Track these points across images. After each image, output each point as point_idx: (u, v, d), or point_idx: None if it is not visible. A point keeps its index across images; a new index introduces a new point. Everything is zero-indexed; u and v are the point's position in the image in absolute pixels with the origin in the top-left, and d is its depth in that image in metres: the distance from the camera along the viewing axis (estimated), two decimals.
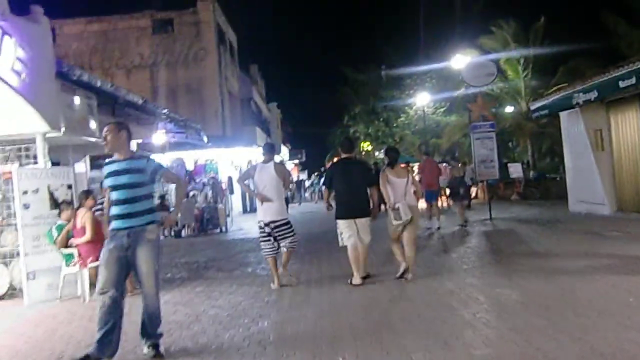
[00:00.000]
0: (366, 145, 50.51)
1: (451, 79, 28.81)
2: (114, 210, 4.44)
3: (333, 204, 6.79)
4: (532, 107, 14.23)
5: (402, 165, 7.60)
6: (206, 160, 23.30)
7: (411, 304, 5.61)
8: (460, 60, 21.48)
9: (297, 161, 48.55)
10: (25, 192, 7.34)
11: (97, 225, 7.09)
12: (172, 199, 19.53)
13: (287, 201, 23.10)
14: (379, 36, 33.83)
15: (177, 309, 6.24)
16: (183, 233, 15.76)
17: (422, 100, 29.84)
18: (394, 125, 34.74)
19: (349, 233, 6.49)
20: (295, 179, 40.68)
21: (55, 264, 7.34)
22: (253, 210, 25.54)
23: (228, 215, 17.89)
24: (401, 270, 6.66)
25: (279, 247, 6.79)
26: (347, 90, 37.32)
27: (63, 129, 8.14)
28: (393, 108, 33.64)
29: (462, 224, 11.88)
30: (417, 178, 9.28)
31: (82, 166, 14.71)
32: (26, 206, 7.32)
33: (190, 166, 22.65)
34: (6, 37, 6.74)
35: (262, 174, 6.66)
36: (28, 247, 7.27)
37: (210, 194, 17.40)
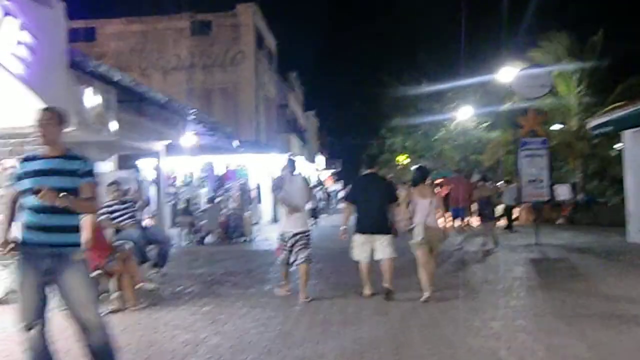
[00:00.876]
0: (403, 159, 49.29)
1: (495, 93, 27.55)
2: (29, 218, 3.45)
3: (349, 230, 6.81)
4: (593, 124, 12.93)
5: (439, 181, 7.59)
6: (237, 165, 22.71)
7: (452, 350, 4.60)
8: (508, 73, 20.18)
9: (332, 171, 47.75)
10: None
11: (97, 232, 6.34)
12: (200, 204, 19.03)
13: (317, 212, 22.40)
14: (421, 47, 32.13)
15: (176, 334, 5.39)
16: (207, 240, 15.01)
17: (463, 114, 28.60)
18: (433, 139, 33.45)
19: (360, 249, 6.55)
20: (329, 189, 40.05)
21: None
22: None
23: (256, 224, 17.11)
24: (424, 297, 6.34)
25: (293, 259, 6.75)
26: (387, 100, 36.28)
27: (75, 123, 7.48)
28: (433, 121, 32.41)
29: (491, 248, 11.14)
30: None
31: (108, 165, 14.25)
32: None
33: (220, 171, 22.12)
34: (8, 18, 6.08)
35: (291, 186, 6.74)
36: None
37: (236, 201, 16.63)
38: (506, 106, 25.31)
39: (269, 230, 18.34)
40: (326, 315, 5.96)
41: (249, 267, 10.00)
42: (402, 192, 8.93)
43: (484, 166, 29.92)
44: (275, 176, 22.85)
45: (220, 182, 22.63)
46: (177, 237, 14.60)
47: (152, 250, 7.74)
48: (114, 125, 8.67)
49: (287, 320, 5.77)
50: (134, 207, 7.66)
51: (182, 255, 12.39)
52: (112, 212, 7.33)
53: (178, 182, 22.87)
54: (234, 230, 15.61)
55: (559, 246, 11.95)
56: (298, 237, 6.63)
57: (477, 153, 30.26)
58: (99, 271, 6.28)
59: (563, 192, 21.48)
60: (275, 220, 23.41)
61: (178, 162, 22.22)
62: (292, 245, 6.67)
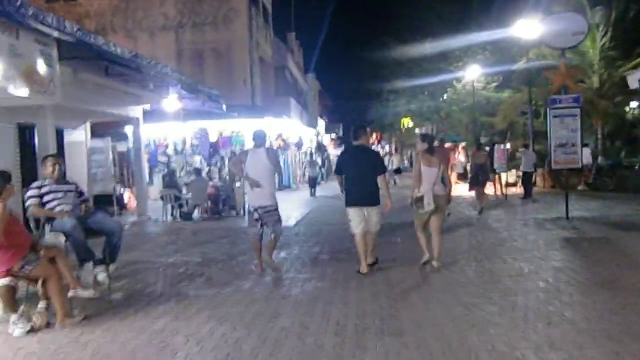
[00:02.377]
0: (407, 122, 47.33)
1: (507, 50, 25.44)
2: None
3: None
4: (634, 76, 11.02)
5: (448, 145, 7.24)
6: (232, 132, 20.90)
7: None
8: (524, 26, 18.09)
9: (334, 135, 45.75)
10: None
11: (9, 224, 4.65)
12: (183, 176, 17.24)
13: (316, 181, 20.68)
14: (425, 3, 29.61)
15: None
16: (195, 215, 13.36)
17: (471, 73, 26.47)
18: (440, 100, 31.40)
19: (357, 221, 6.35)
20: (331, 154, 38.18)
21: None
22: (283, 187, 23.16)
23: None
24: (423, 259, 6.54)
25: (263, 232, 6.68)
26: (390, 61, 33.89)
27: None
28: (439, 82, 30.28)
29: (478, 211, 11.79)
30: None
31: (79, 135, 12.50)
32: None
33: (213, 138, 20.37)
34: None
35: (253, 160, 6.56)
36: None
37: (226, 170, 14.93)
38: (520, 64, 23.20)
39: None
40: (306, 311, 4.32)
41: (231, 252, 8.35)
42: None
43: (494, 129, 28.03)
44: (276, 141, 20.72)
45: (214, 149, 20.96)
46: (160, 211, 13.00)
47: (98, 243, 6.04)
48: (54, 85, 6.85)
49: (262, 346, 4.13)
50: (75, 190, 5.93)
51: (160, 236, 10.78)
52: (42, 195, 5.61)
53: (169, 150, 21.23)
54: (224, 203, 13.97)
55: (593, 220, 10.24)
56: (263, 211, 6.55)
57: (488, 115, 28.30)
58: (8, 278, 4.62)
59: (584, 155, 19.67)
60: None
61: (168, 129, 20.59)
62: (258, 219, 6.60)
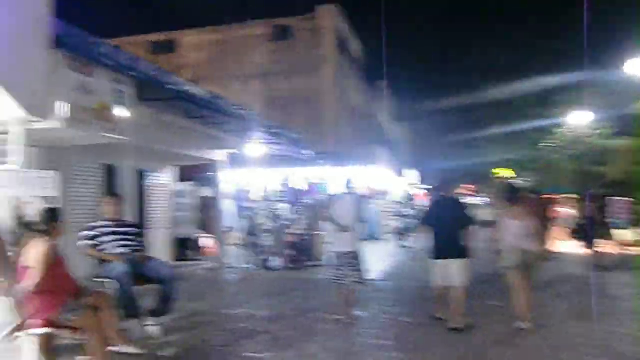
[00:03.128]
0: (506, 173, 44.72)
1: (621, 92, 23.26)
2: None
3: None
4: None
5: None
6: (319, 179, 20.54)
7: None
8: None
9: (429, 186, 44.19)
10: None
11: (54, 267, 4.26)
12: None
13: (404, 232, 19.54)
14: (525, 46, 28.10)
15: None
16: (273, 264, 12.78)
17: (578, 119, 24.31)
18: (539, 147, 29.21)
19: (439, 275, 6.27)
20: (421, 206, 36.56)
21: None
22: (369, 237, 22.20)
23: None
24: (519, 324, 5.94)
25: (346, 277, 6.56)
26: (486, 109, 32.38)
27: (64, 118, 5.55)
28: (539, 128, 28.24)
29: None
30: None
31: (164, 177, 12.57)
32: None
33: (299, 185, 20.07)
34: None
35: (341, 206, 6.66)
36: None
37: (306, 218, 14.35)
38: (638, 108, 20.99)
39: None
40: None
41: (303, 307, 7.57)
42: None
43: (606, 179, 25.39)
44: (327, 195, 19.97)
45: (299, 197, 20.65)
46: (240, 259, 12.59)
47: (152, 293, 5.54)
48: (125, 124, 6.66)
49: None
50: (134, 232, 5.53)
51: (232, 284, 10.29)
52: (97, 236, 5.24)
53: (255, 196, 21.20)
54: (304, 252, 13.33)
55: None
56: (348, 257, 6.52)
57: (599, 164, 25.75)
58: (45, 329, 4.16)
59: None
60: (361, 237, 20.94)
61: (254, 175, 20.63)
62: (344, 265, 6.55)
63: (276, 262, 12.80)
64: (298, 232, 13.44)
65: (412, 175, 41.28)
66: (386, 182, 24.19)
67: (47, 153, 7.19)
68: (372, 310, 7.32)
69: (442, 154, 56.09)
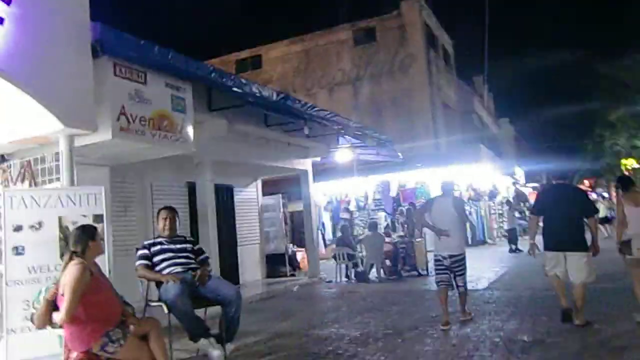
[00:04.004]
0: (630, 163, 40.02)
1: None
2: None
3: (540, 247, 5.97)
4: None
5: None
6: (416, 183, 19.26)
7: None
8: None
9: (536, 185, 40.79)
10: (18, 228, 4.36)
11: (91, 292, 3.66)
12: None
13: (515, 234, 17.60)
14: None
15: None
16: (371, 275, 11.81)
17: None
18: None
19: (553, 264, 5.68)
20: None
21: (54, 350, 4.14)
22: (477, 243, 20.44)
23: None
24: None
25: (454, 280, 6.33)
26: (600, 89, 28.47)
27: (112, 129, 5.08)
28: None
29: None
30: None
31: (251, 192, 12.13)
32: (18, 250, 4.32)
33: (395, 191, 19.01)
34: None
35: (439, 209, 6.41)
36: (16, 319, 4.22)
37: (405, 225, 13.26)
38: None
39: None
40: None
41: (399, 324, 6.53)
42: None
43: None
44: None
45: (397, 203, 19.53)
46: (336, 272, 11.77)
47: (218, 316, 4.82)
48: (187, 133, 6.10)
49: None
50: (190, 249, 4.87)
51: (323, 300, 9.46)
52: (153, 255, 4.62)
53: (352, 206, 20.37)
54: (403, 262, 12.22)
55: None
56: (453, 260, 6.26)
57: None
58: None
59: None
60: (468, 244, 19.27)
61: (349, 184, 19.84)
62: (448, 268, 6.28)
63: (374, 274, 11.83)
64: (396, 240, 12.37)
65: (519, 174, 38.32)
66: (491, 182, 22.25)
67: (120, 170, 6.87)
68: (482, 326, 6.10)
69: (551, 150, 51.85)
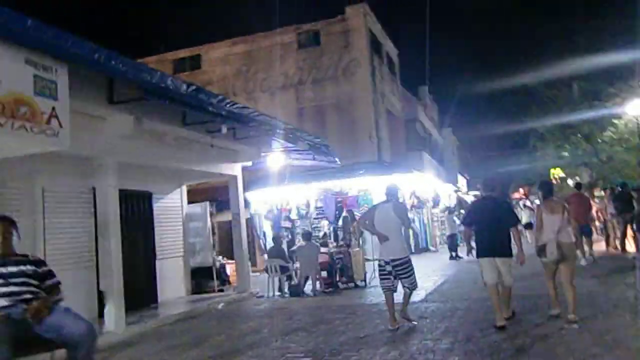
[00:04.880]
0: (557, 172, 41.04)
1: None
2: None
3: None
4: None
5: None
6: (359, 191, 18.40)
7: None
8: None
9: (477, 193, 41.08)
10: None
11: None
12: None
13: (456, 241, 17.01)
14: (572, 42, 24.92)
15: None
16: (308, 289, 10.74)
17: (635, 109, 21.17)
18: (598, 141, 26.04)
19: (489, 271, 6.01)
20: None
21: None
22: (420, 250, 19.80)
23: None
24: (552, 312, 6.07)
25: (396, 284, 6.40)
26: (533, 108, 29.30)
27: None
28: (595, 120, 25.14)
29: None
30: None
31: (174, 199, 10.84)
32: None
33: (334, 199, 18.08)
34: None
35: (381, 214, 6.44)
36: None
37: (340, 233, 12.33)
38: None
39: None
40: None
41: (321, 349, 5.54)
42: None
43: None
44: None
45: (339, 211, 18.59)
46: (269, 286, 10.64)
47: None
48: (63, 125, 4.82)
49: None
50: (31, 272, 3.63)
51: (248, 319, 8.34)
52: None
53: (293, 215, 19.30)
54: (340, 273, 11.25)
55: None
56: (395, 264, 6.28)
57: None
58: None
59: None
60: (410, 252, 18.56)
61: (291, 192, 18.80)
62: (390, 273, 6.31)
63: (308, 286, 10.77)
64: (332, 250, 11.37)
65: (461, 183, 38.41)
66: (434, 190, 21.75)
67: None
68: (411, 348, 5.21)
69: (492, 159, 52.69)
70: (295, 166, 13.97)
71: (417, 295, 8.90)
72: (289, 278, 10.91)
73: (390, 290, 6.31)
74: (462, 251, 16.15)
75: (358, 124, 19.37)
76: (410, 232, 18.99)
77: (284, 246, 12.87)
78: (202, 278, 10.84)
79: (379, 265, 6.45)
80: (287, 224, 19.14)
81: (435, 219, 24.79)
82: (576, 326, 5.44)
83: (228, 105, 7.16)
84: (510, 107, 30.88)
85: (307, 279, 10.82)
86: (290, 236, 18.10)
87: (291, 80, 19.93)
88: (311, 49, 19.98)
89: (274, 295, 10.57)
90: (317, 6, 24.61)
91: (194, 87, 6.50)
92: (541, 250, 5.93)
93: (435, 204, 22.77)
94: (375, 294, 9.96)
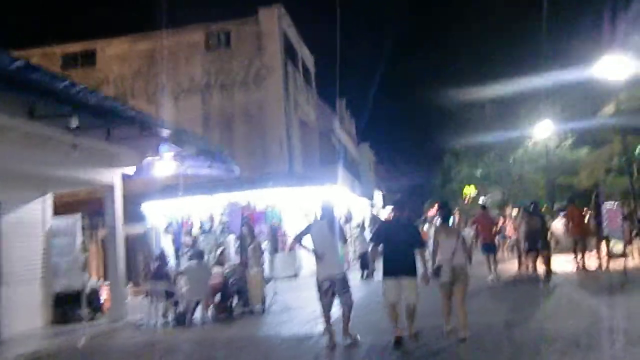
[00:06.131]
0: (469, 191, 42.40)
1: (582, 100, 21.12)
2: None
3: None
4: None
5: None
6: (267, 205, 17.21)
7: None
8: (607, 66, 13.90)
9: (392, 207, 41.27)
10: None
11: None
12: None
13: (367, 259, 16.22)
14: (485, 55, 25.79)
15: None
16: (197, 317, 9.37)
17: (542, 131, 21.95)
18: (510, 160, 26.89)
19: (392, 291, 6.22)
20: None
21: None
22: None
23: (295, 276, 11.44)
24: (446, 328, 6.34)
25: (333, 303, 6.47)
26: (448, 127, 29.99)
27: None
28: (508, 141, 25.98)
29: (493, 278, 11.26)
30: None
31: (32, 209, 9.05)
32: None
33: (238, 213, 16.84)
34: None
35: (318, 232, 6.55)
36: None
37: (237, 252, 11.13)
38: (606, 113, 18.42)
39: (299, 288, 12.71)
40: None
41: None
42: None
43: (578, 190, 22.94)
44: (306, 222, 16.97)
45: (248, 225, 17.29)
46: (151, 313, 9.14)
47: None
48: None
49: None
50: None
51: (124, 357, 6.82)
52: None
53: (195, 230, 17.75)
54: (239, 297, 9.98)
55: None
56: (333, 280, 6.35)
57: (566, 174, 23.39)
58: None
59: None
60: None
61: (193, 205, 17.29)
62: (327, 290, 6.37)
63: (197, 314, 9.40)
64: (227, 271, 10.07)
65: (377, 198, 38.38)
66: (347, 205, 21.04)
67: None
68: None
69: (409, 175, 53.66)
70: (199, 176, 12.58)
71: (318, 326, 7.88)
72: (176, 304, 9.48)
73: (328, 309, 6.41)
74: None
75: (269, 133, 18.27)
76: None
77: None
78: (68, 305, 9.12)
79: (317, 286, 6.47)
80: (188, 240, 17.58)
81: (347, 235, 24.13)
82: (466, 341, 5.88)
83: (80, 93, 5.75)
84: (428, 124, 31.42)
85: (197, 303, 9.46)
86: (162, 256, 16.60)
87: (197, 85, 18.46)
88: (221, 51, 18.66)
89: (156, 324, 9.09)
90: (230, 4, 23.20)
91: (21, 63, 5.04)
92: (437, 272, 6.31)
93: (348, 219, 22.11)
94: (273, 322, 8.82)
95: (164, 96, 18.16)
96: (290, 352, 6.41)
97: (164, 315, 9.31)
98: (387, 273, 6.32)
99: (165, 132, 7.83)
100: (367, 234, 18.72)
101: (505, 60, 25.11)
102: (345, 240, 7.30)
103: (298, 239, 6.82)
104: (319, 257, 6.36)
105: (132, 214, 15.26)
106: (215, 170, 10.67)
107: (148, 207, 16.55)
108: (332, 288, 6.35)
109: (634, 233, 13.67)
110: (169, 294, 9.33)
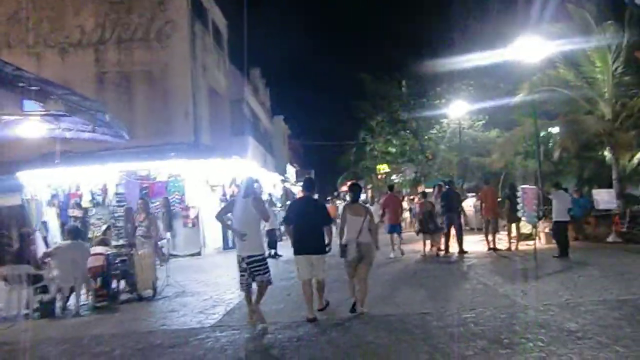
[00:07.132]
0: (383, 168, 42.75)
1: (496, 82, 21.54)
2: None
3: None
4: None
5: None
6: (169, 176, 15.76)
7: None
8: (520, 48, 13.98)
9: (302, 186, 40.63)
10: None
11: None
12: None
13: (275, 237, 15.39)
14: (403, 38, 25.70)
15: None
16: (70, 305, 7.99)
17: (456, 111, 22.18)
18: (425, 138, 27.06)
19: (304, 269, 6.50)
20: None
21: None
22: (229, 248, 17.78)
23: (164, 263, 10.20)
24: (352, 300, 6.68)
25: (252, 282, 6.49)
26: (365, 103, 29.66)
27: None
28: (424, 118, 26.10)
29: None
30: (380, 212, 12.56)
31: None
32: None
33: (137, 184, 15.34)
34: None
35: (240, 209, 6.55)
36: None
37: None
38: (518, 98, 18.59)
39: (205, 268, 11.60)
40: None
41: None
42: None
43: (490, 171, 23.47)
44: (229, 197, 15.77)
45: (144, 198, 15.73)
46: (12, 302, 7.64)
47: None
48: None
49: None
50: None
51: None
52: None
53: (85, 202, 15.92)
54: (125, 280, 8.71)
55: None
56: (250, 260, 6.37)
57: (476, 155, 23.87)
58: None
59: (606, 199, 15.19)
60: (225, 247, 16.51)
61: (83, 174, 15.46)
62: (246, 269, 6.38)
63: (70, 302, 8.03)
64: (110, 252, 8.71)
65: (290, 173, 37.58)
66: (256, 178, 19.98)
67: None
68: None
69: (323, 150, 53.35)
70: (86, 141, 10.84)
71: (210, 317, 6.90)
72: (44, 291, 8.03)
73: (246, 287, 6.41)
74: (283, 248, 14.37)
75: (172, 98, 16.65)
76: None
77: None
78: None
79: (238, 261, 6.50)
80: (77, 213, 15.74)
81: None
82: (365, 316, 6.32)
83: None
84: (344, 98, 30.98)
85: (71, 291, 8.06)
86: (82, 227, 14.76)
87: (89, 38, 16.33)
88: (116, 1, 16.60)
89: (18, 315, 7.62)
90: None
91: None
92: (344, 251, 6.56)
93: (272, 201, 21.11)
94: (162, 310, 7.69)
95: (48, 48, 15.86)
96: (171, 351, 5.36)
97: (27, 305, 7.84)
98: (298, 251, 6.56)
99: (24, 84, 6.29)
100: (274, 211, 17.86)
101: (424, 38, 25.09)
102: (268, 219, 7.57)
103: (220, 215, 6.86)
104: (240, 236, 6.36)
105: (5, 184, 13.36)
106: (101, 136, 9.12)
107: (25, 176, 14.51)
108: (249, 268, 6.35)
109: (540, 214, 13.93)
110: (35, 279, 7.87)
